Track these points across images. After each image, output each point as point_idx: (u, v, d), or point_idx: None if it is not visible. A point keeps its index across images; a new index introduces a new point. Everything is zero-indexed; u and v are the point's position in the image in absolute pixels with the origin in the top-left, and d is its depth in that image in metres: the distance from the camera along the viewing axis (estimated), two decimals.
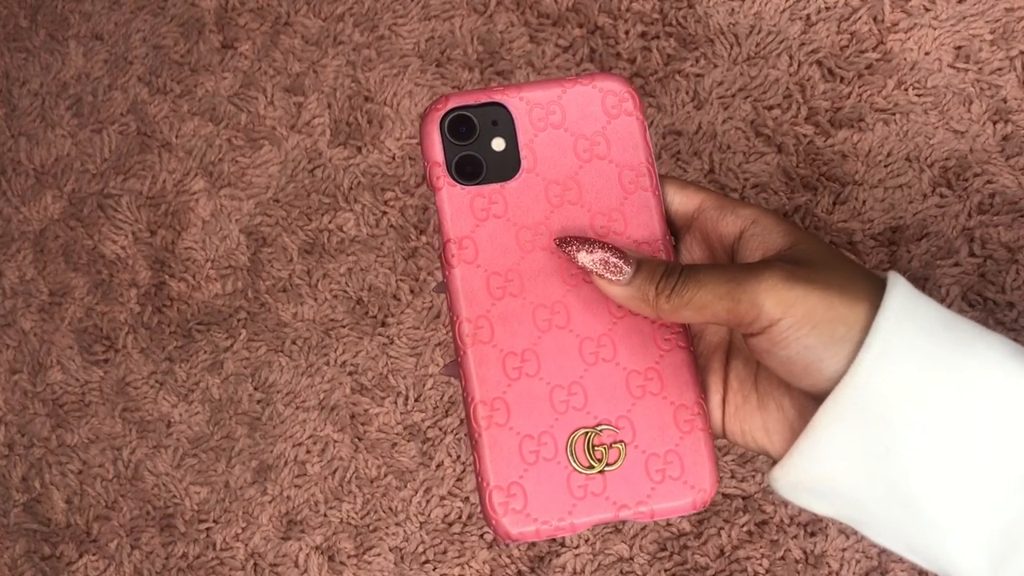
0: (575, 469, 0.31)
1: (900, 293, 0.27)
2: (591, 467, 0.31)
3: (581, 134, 0.33)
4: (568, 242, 0.31)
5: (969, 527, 0.26)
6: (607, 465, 0.31)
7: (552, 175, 0.32)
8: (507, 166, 0.32)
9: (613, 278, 0.30)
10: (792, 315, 0.27)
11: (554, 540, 0.64)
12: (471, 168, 0.32)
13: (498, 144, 0.32)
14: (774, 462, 0.30)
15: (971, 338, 0.27)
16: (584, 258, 0.30)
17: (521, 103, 0.33)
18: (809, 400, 0.29)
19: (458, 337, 0.32)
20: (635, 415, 0.31)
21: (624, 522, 0.32)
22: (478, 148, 0.32)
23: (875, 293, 0.27)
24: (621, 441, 0.31)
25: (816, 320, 0.27)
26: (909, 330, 0.26)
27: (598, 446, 0.31)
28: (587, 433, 0.31)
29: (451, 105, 0.32)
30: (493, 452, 0.31)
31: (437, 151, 0.32)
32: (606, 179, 0.32)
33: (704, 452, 0.31)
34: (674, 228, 0.34)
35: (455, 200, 0.32)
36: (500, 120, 0.33)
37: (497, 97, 0.33)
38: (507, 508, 0.30)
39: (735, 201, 0.32)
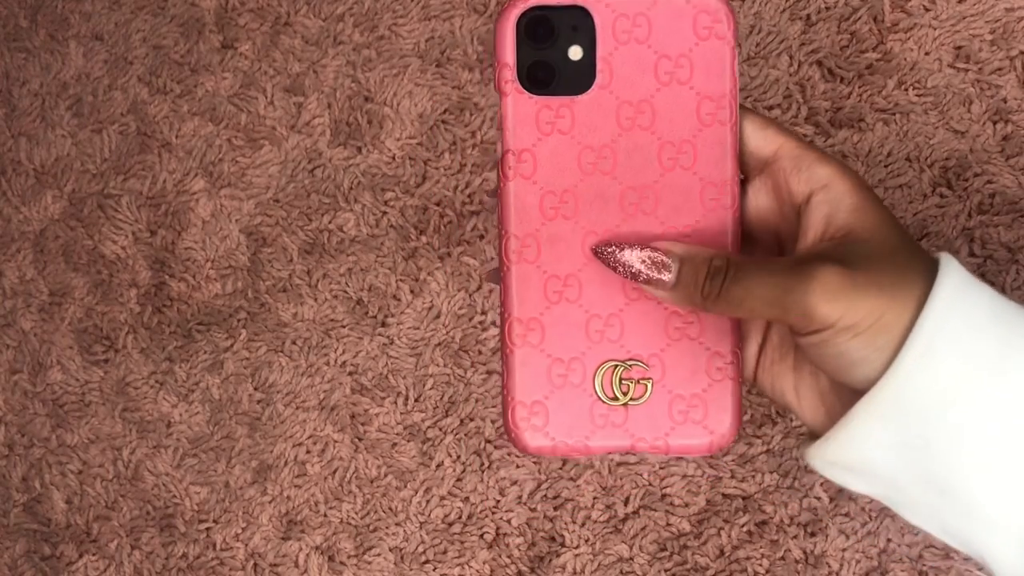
0: (599, 398, 0.31)
1: (949, 284, 0.26)
2: (615, 399, 0.31)
3: (665, 53, 0.31)
4: (605, 249, 0.30)
5: (1006, 519, 0.26)
6: (632, 399, 0.31)
7: (626, 95, 0.31)
8: (581, 78, 0.31)
9: (657, 277, 0.29)
10: (840, 324, 0.26)
11: (553, 539, 0.65)
12: (543, 75, 0.31)
13: (575, 53, 0.31)
14: (811, 436, 0.30)
15: (1022, 332, 0.26)
16: (626, 257, 0.29)
17: (607, 10, 0.30)
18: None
19: (504, 253, 0.31)
20: (668, 355, 0.31)
21: (638, 456, 0.33)
22: (553, 55, 0.31)
23: (926, 282, 0.27)
24: (649, 378, 0.31)
25: (861, 329, 0.26)
26: (955, 326, 0.26)
27: (625, 379, 0.31)
28: (617, 366, 0.31)
29: (532, 3, 0.30)
30: (522, 370, 0.31)
31: (509, 52, 0.31)
32: (683, 107, 0.31)
33: (730, 402, 0.31)
34: (746, 168, 0.32)
35: (521, 108, 0.31)
36: (581, 26, 0.30)
37: (582, 0, 0.31)
38: (528, 423, 0.31)
39: (814, 154, 0.30)
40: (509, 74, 0.31)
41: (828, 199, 0.29)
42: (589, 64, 0.31)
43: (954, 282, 0.27)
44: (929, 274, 0.27)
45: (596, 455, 0.31)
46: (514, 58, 0.31)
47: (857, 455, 0.28)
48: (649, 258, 0.29)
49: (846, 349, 0.27)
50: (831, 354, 0.27)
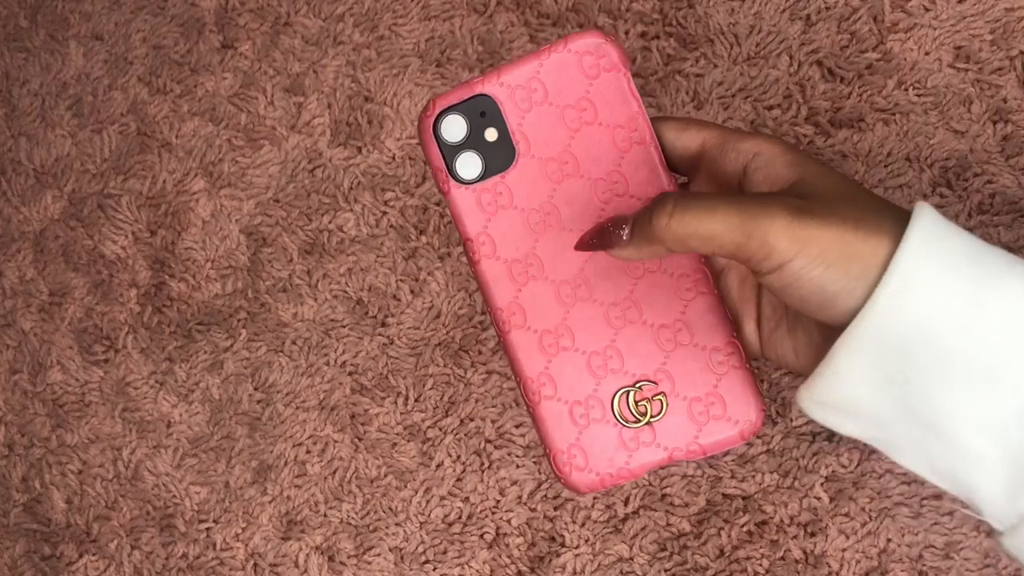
0: (624, 425, 0.33)
1: (924, 225, 0.26)
2: (637, 421, 0.33)
3: (566, 104, 0.33)
4: (582, 243, 0.32)
5: (989, 452, 0.26)
6: (652, 417, 0.33)
7: (547, 153, 0.33)
8: (503, 155, 0.34)
9: (616, 233, 0.30)
10: (805, 254, 0.26)
11: (553, 539, 0.64)
12: (471, 166, 0.34)
13: (491, 135, 0.34)
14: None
15: (998, 271, 0.26)
16: (594, 235, 0.31)
17: (502, 89, 0.33)
18: (835, 329, 0.29)
19: (496, 325, 0.34)
20: (671, 366, 0.33)
21: (679, 463, 0.34)
22: (473, 144, 0.34)
23: (897, 226, 0.27)
24: (662, 393, 0.33)
25: (830, 259, 0.26)
26: (930, 265, 0.26)
27: (640, 401, 0.33)
28: (628, 391, 0.33)
29: (439, 108, 0.34)
30: (549, 422, 0.34)
31: (436, 157, 0.34)
32: (599, 143, 0.33)
33: (744, 388, 0.33)
34: (683, 171, 0.33)
35: (463, 200, 0.34)
36: (488, 110, 0.33)
37: (479, 89, 0.33)
38: (572, 467, 0.33)
39: (737, 134, 0.31)
40: (443, 175, 0.34)
41: (762, 164, 0.30)
42: (506, 140, 0.33)
43: (930, 223, 0.26)
44: (899, 220, 0.27)
45: (641, 475, 0.33)
46: (442, 160, 0.34)
47: (843, 392, 0.28)
48: (610, 224, 0.30)
49: (822, 282, 0.26)
50: (809, 292, 0.27)
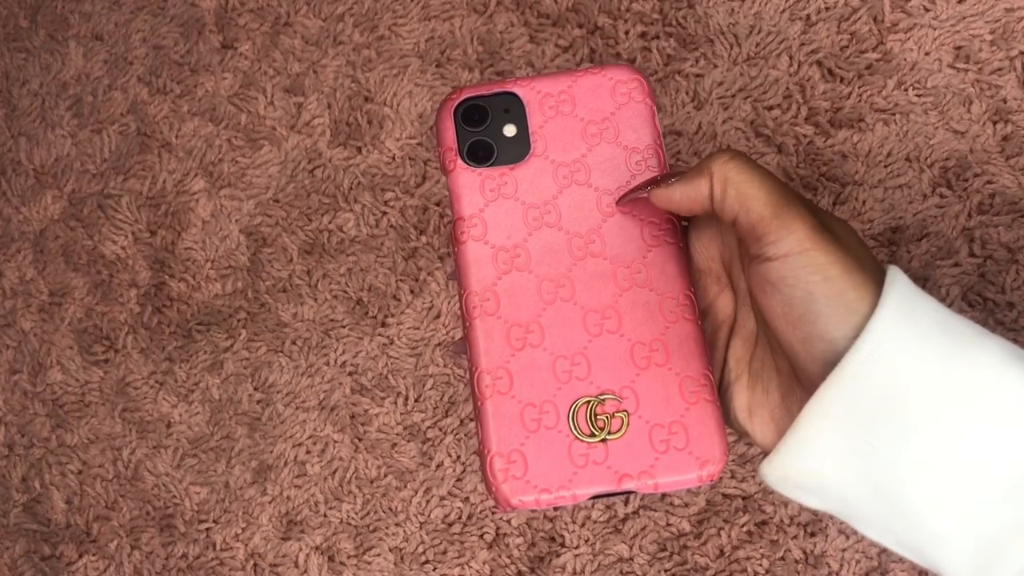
0: (576, 437, 0.31)
1: (897, 293, 0.26)
2: (593, 435, 0.31)
3: (590, 120, 0.34)
4: (626, 193, 0.32)
5: (954, 533, 0.26)
6: (609, 433, 0.31)
7: (561, 158, 0.33)
8: (518, 150, 0.34)
9: (667, 176, 0.30)
10: (813, 255, 0.27)
11: (553, 539, 0.64)
12: (482, 152, 0.33)
13: (509, 130, 0.34)
14: (764, 455, 0.30)
15: (969, 342, 0.26)
16: (636, 187, 0.32)
17: (533, 92, 0.34)
18: (793, 389, 0.29)
19: (465, 310, 0.32)
20: (639, 385, 0.31)
21: (628, 495, 0.32)
22: (489, 134, 0.34)
23: (879, 284, 0.27)
24: (624, 411, 0.31)
25: (832, 274, 0.26)
26: (902, 333, 0.26)
27: (600, 415, 0.31)
28: (589, 402, 0.31)
29: (465, 95, 0.34)
30: (495, 420, 0.31)
31: (450, 137, 0.34)
32: (613, 161, 0.33)
33: (712, 423, 0.31)
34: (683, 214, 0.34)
35: (465, 180, 0.33)
36: (512, 108, 0.34)
37: (509, 87, 0.34)
38: (507, 475, 0.30)
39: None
40: (452, 155, 0.34)
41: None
42: (523, 137, 0.34)
43: (902, 291, 0.27)
44: (880, 280, 0.27)
45: (582, 500, 0.30)
46: (455, 141, 0.34)
47: (808, 466, 0.28)
48: (660, 175, 0.31)
49: (816, 291, 0.27)
50: (798, 296, 0.27)
